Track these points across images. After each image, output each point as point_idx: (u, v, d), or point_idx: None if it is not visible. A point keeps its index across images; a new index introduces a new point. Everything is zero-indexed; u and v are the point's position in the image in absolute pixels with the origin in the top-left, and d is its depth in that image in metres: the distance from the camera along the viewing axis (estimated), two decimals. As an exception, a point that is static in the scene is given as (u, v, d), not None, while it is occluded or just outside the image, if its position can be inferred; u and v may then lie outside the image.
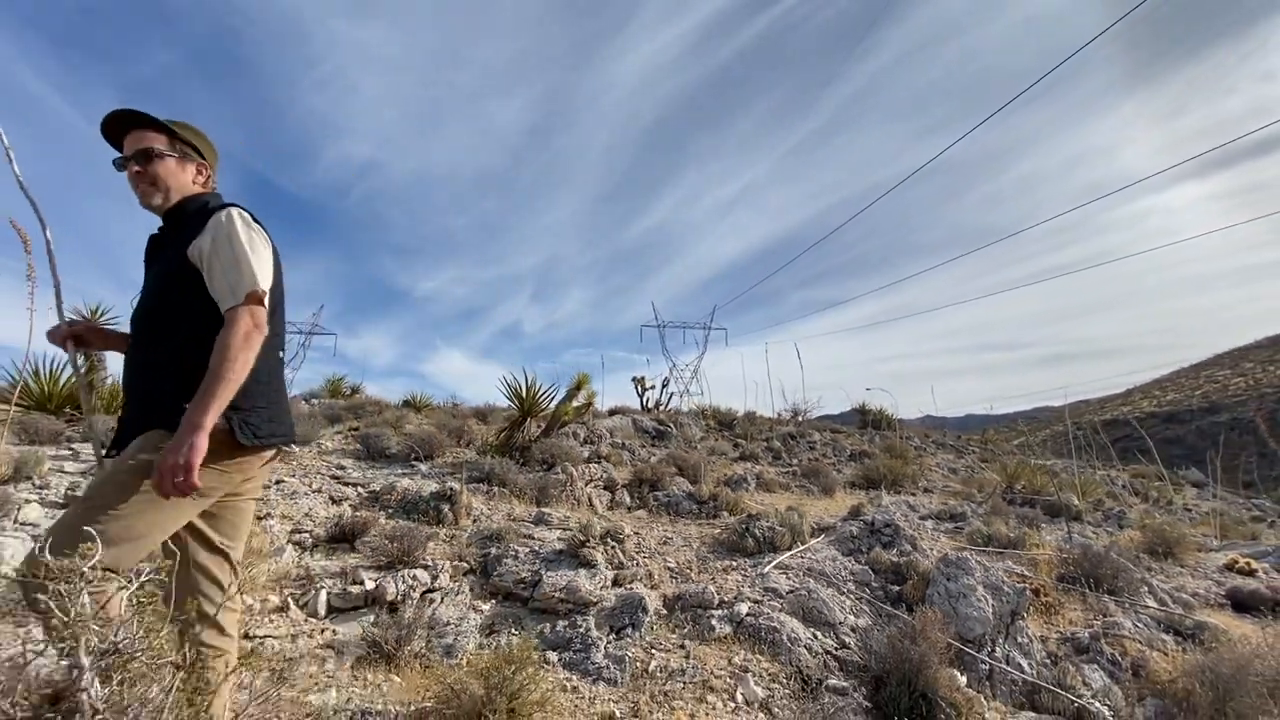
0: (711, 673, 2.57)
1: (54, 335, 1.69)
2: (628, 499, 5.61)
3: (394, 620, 2.66)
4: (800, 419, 15.01)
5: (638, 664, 2.61)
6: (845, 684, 2.58)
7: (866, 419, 19.05)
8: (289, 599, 2.87)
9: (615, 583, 3.29)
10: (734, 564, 3.77)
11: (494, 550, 3.61)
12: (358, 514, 3.99)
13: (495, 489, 5.10)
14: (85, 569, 1.04)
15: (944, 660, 2.65)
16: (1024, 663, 2.89)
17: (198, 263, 1.52)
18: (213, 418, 1.37)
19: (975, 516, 5.42)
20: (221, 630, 1.58)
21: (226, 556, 1.63)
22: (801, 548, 3.94)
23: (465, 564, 3.47)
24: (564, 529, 4.16)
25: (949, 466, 12.91)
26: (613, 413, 12.16)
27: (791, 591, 3.25)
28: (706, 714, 2.30)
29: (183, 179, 1.66)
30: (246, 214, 1.60)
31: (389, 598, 2.93)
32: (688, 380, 40.45)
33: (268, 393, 1.62)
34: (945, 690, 2.52)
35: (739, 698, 2.43)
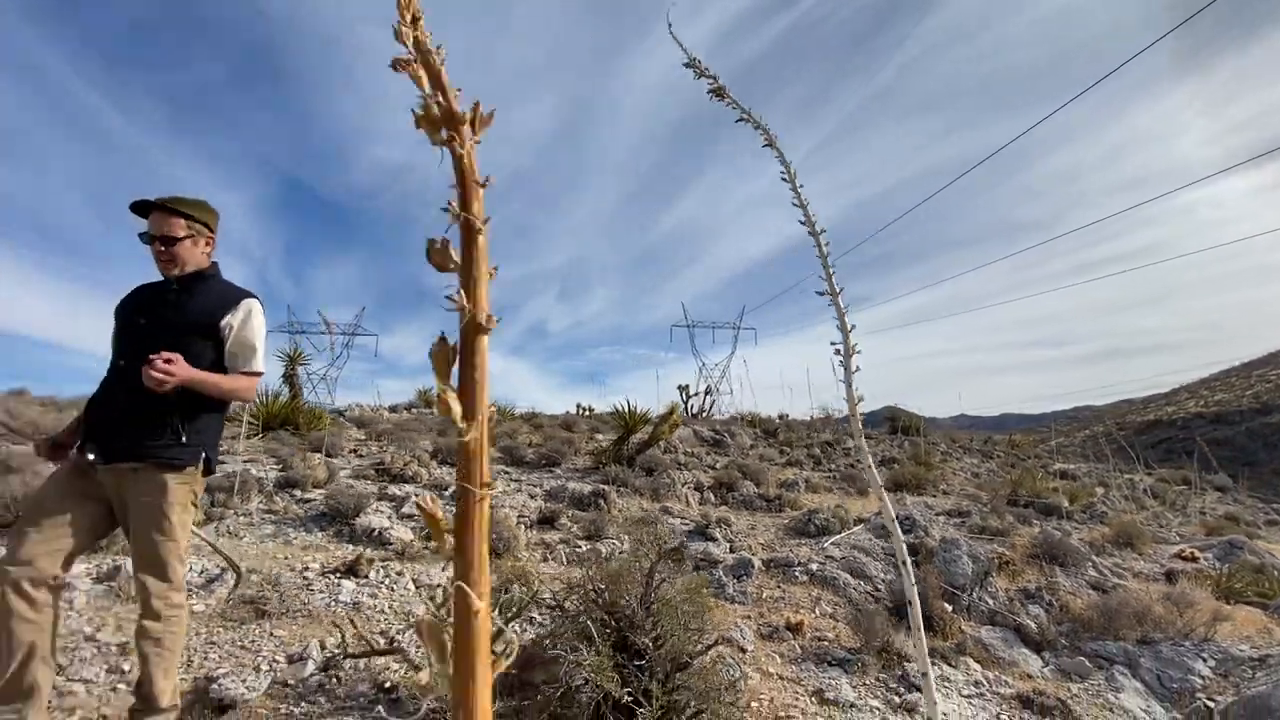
0: (799, 599, 4.46)
1: (40, 450, 2.11)
2: (712, 498, 7.53)
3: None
4: (832, 420, 16.72)
5: (755, 594, 4.51)
6: (877, 607, 4.45)
7: (896, 425, 20.67)
8: (545, 556, 4.86)
9: (731, 550, 5.21)
10: (802, 542, 5.65)
11: (645, 529, 5.56)
12: (547, 505, 6.01)
13: (619, 489, 7.07)
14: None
15: (937, 596, 4.49)
16: (990, 601, 4.71)
17: (224, 332, 2.06)
18: (198, 384, 1.93)
19: (977, 514, 7.19)
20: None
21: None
22: (847, 532, 5.80)
23: (639, 531, 5.44)
24: (683, 518, 6.10)
25: (972, 470, 14.51)
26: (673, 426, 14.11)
27: (844, 558, 5.13)
28: (802, 617, 4.19)
29: (195, 255, 2.10)
30: (261, 306, 2.19)
31: (604, 554, 4.91)
32: (717, 380, 41.98)
33: (218, 438, 2.20)
34: (938, 612, 4.36)
35: (817, 610, 4.33)
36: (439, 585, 3.90)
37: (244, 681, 2.41)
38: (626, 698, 2.25)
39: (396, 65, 0.52)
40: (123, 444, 1.93)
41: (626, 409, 8.55)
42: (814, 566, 4.93)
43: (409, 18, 0.51)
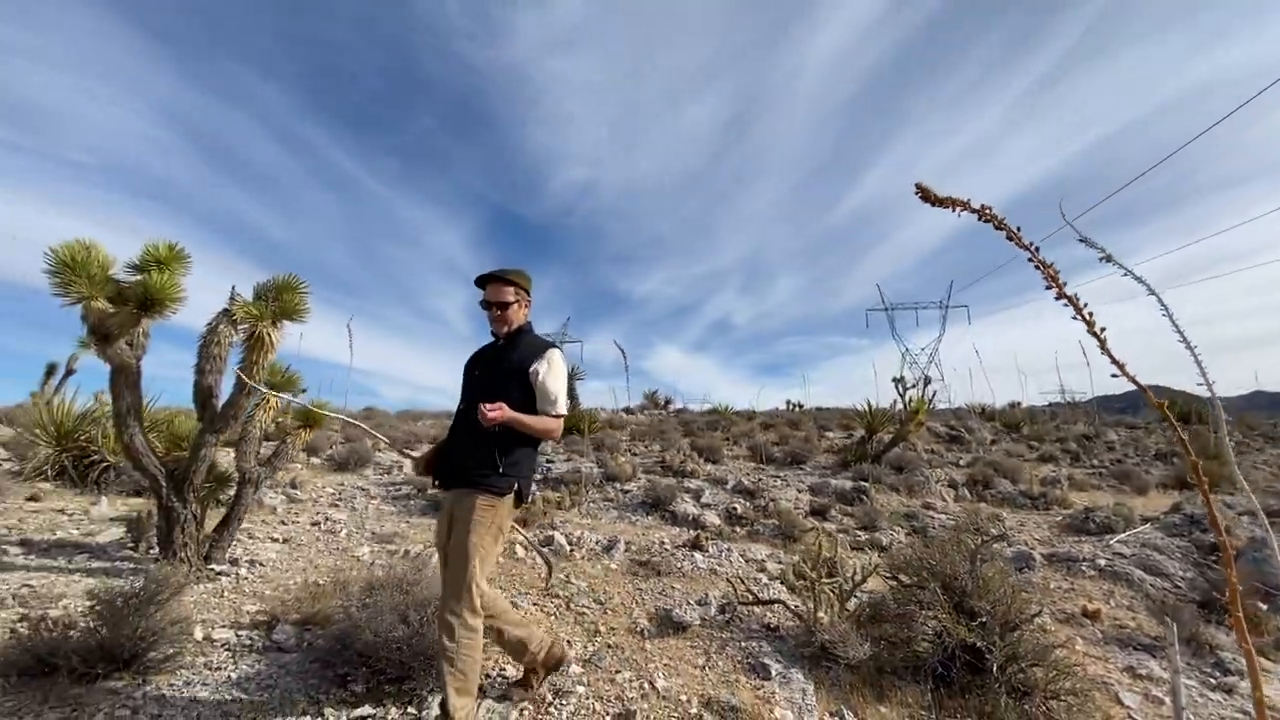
0: (1089, 592, 4.74)
1: (417, 468, 2.59)
2: (968, 494, 7.75)
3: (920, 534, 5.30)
4: (1083, 408, 15.11)
5: (1041, 584, 4.88)
6: (1182, 602, 4.55)
7: (1171, 410, 17.83)
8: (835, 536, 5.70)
9: (1009, 544, 5.58)
10: (1082, 539, 5.77)
11: (914, 523, 6.13)
12: (814, 500, 6.85)
13: (873, 485, 7.64)
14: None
15: (1250, 595, 4.45)
16: (1322, 607, 4.50)
17: (534, 377, 2.37)
18: (516, 424, 2.25)
19: (1298, 515, 6.47)
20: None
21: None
22: (1134, 531, 5.77)
23: (912, 524, 6.05)
24: (946, 513, 6.53)
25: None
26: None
27: (1133, 555, 5.21)
28: (1097, 606, 4.49)
29: (519, 316, 2.53)
30: (561, 354, 2.48)
31: (885, 544, 5.61)
32: (925, 365, 38.73)
33: (532, 471, 2.51)
34: (1248, 612, 4.34)
35: (1112, 602, 4.58)
36: (763, 559, 4.95)
37: (685, 614, 3.62)
38: (979, 643, 3.01)
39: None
40: (457, 472, 2.35)
41: (868, 408, 9.04)
42: (1101, 562, 5.12)
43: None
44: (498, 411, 2.16)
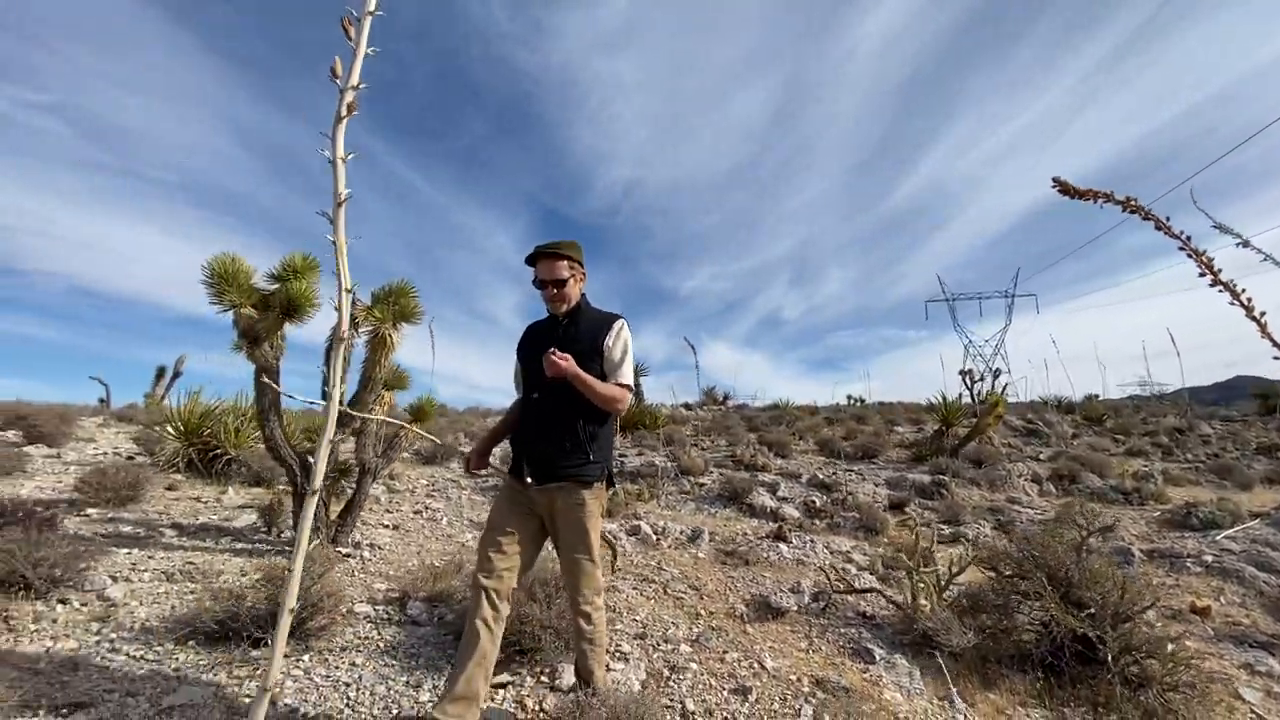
0: (1196, 589, 4.57)
1: (469, 467, 2.54)
2: (1053, 489, 7.51)
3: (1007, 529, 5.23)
4: (1173, 404, 14.28)
5: (1142, 580, 4.73)
6: (1300, 602, 4.33)
7: (1271, 402, 16.68)
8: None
9: (1110, 538, 5.42)
10: (1184, 535, 5.54)
11: (1000, 517, 6.02)
12: (893, 494, 6.81)
13: (952, 480, 7.51)
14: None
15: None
16: None
17: (606, 350, 2.27)
18: (583, 384, 2.14)
19: None
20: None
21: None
22: (1241, 527, 5.50)
23: (997, 519, 5.95)
24: (1032, 508, 6.37)
25: None
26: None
27: (1244, 551, 4.98)
28: (1206, 603, 4.34)
29: (576, 291, 2.37)
30: (627, 324, 2.37)
31: (971, 537, 5.55)
32: (990, 357, 37.08)
33: (612, 454, 2.40)
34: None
35: (1222, 599, 4.41)
36: (847, 550, 4.99)
37: (781, 600, 3.73)
38: (1091, 634, 3.00)
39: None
40: (548, 468, 2.21)
41: (942, 401, 8.87)
42: (1208, 558, 4.92)
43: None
44: (567, 362, 2.10)
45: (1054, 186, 1.80)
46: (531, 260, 2.35)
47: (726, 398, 19.26)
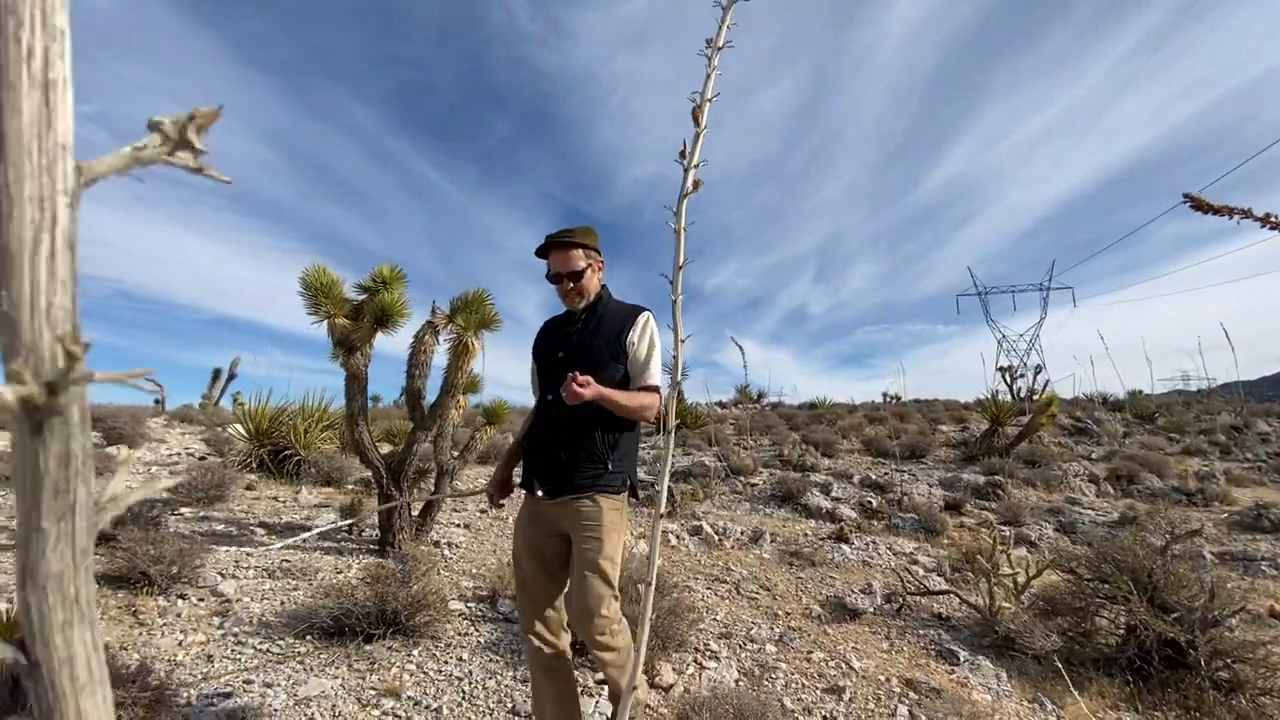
0: (1275, 592, 4.49)
1: (493, 501, 2.26)
2: (1110, 490, 7.40)
3: (1063, 527, 5.20)
4: (1225, 400, 13.86)
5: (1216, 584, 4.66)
6: (1387, 608, 4.24)
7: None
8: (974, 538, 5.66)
9: (1196, 540, 5.34)
10: (1256, 537, 5.44)
11: (1061, 519, 5.97)
12: (948, 494, 6.78)
13: (1007, 481, 7.44)
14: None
15: None
16: None
17: (630, 346, 2.02)
18: (608, 401, 1.88)
19: None
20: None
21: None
22: (1317, 530, 5.37)
23: (1058, 520, 5.91)
24: (1094, 510, 6.30)
25: None
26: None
27: (1323, 555, 4.87)
28: (1285, 607, 4.26)
29: (595, 283, 2.12)
30: (653, 317, 2.11)
31: (1034, 538, 5.52)
32: (1024, 353, 36.23)
33: (636, 463, 2.13)
34: None
35: (1303, 604, 4.33)
36: (910, 551, 5.01)
37: (856, 602, 3.78)
38: (1180, 638, 3.00)
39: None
40: (562, 479, 1.97)
41: (992, 400, 8.77)
42: (1284, 562, 4.83)
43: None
44: (589, 389, 1.79)
45: (1185, 202, 1.85)
46: (543, 252, 2.10)
47: (761, 395, 19.23)
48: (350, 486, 6.45)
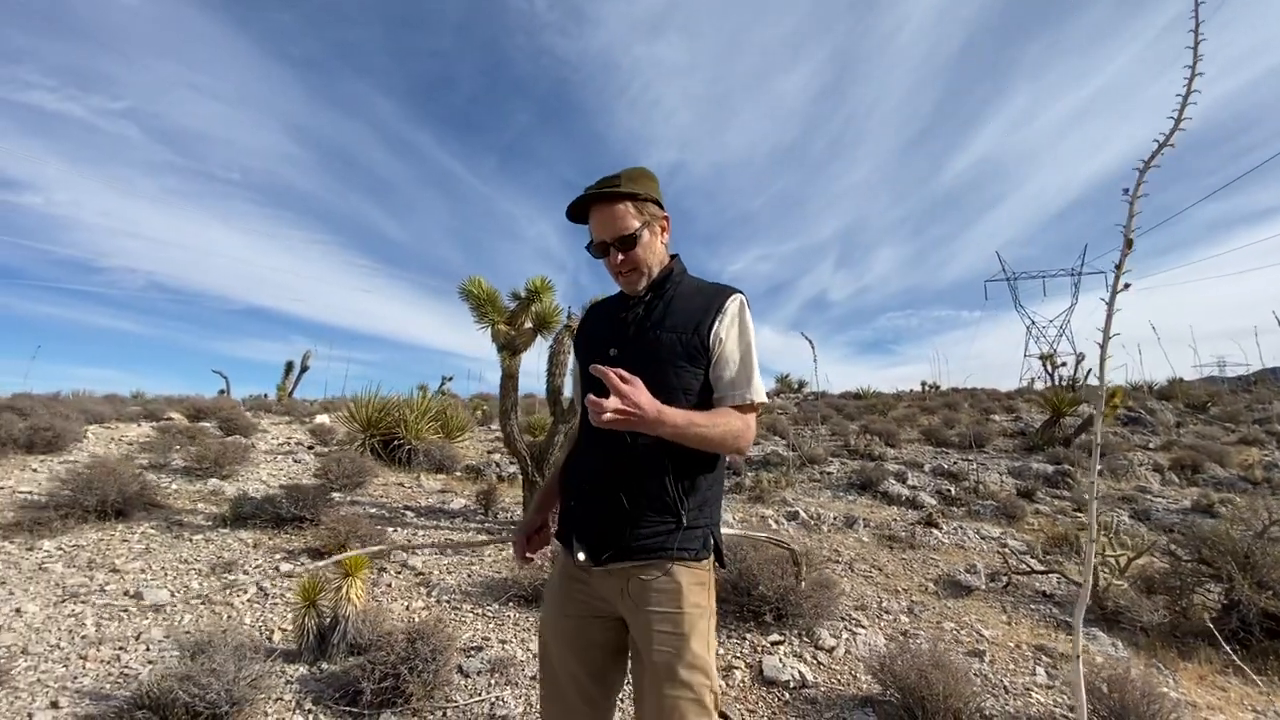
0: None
1: (522, 556, 1.61)
2: (1175, 479, 7.65)
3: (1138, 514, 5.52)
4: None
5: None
6: None
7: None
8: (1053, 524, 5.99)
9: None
10: (1329, 525, 5.69)
11: (1134, 506, 6.27)
12: (1019, 483, 7.11)
13: (1076, 470, 7.72)
14: None
15: None
16: None
17: (715, 342, 1.38)
18: (670, 429, 1.22)
19: None
20: None
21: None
22: (1391, 518, 5.61)
23: (1131, 508, 6.21)
24: (1163, 498, 6.58)
25: None
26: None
27: (1399, 541, 5.13)
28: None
29: (657, 249, 1.47)
30: (749, 304, 1.47)
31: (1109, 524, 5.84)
32: (1054, 339, 35.81)
33: (719, 512, 1.48)
34: None
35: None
36: (998, 535, 5.37)
37: (967, 579, 4.17)
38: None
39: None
40: (614, 536, 1.35)
41: (1053, 392, 9.03)
42: (1361, 548, 5.09)
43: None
44: (626, 407, 1.16)
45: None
46: (580, 213, 1.47)
47: (802, 385, 19.52)
48: (458, 473, 6.97)
